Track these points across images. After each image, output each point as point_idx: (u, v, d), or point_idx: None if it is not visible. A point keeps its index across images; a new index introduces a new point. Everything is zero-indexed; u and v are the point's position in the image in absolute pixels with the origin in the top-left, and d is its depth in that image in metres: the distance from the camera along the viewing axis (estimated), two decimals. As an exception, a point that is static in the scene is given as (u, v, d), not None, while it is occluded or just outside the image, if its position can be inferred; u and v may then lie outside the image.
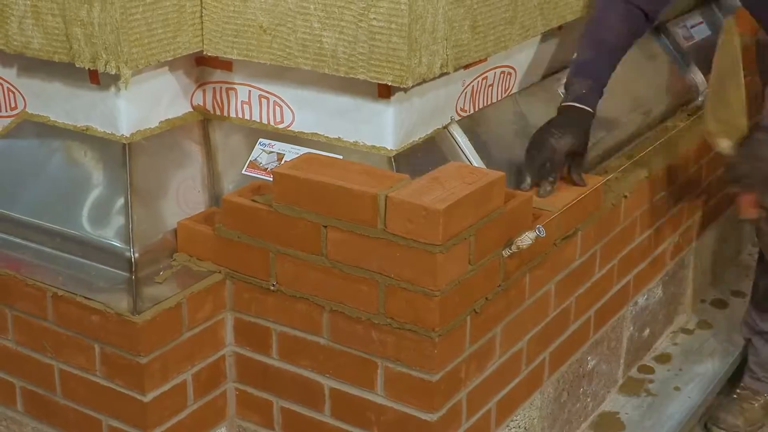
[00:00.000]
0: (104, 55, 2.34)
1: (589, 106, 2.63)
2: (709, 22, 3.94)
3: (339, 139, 2.53)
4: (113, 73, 2.35)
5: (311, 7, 2.36)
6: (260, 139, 2.60)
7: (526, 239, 2.26)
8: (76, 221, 2.45)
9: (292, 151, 2.55)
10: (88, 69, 2.42)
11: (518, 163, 2.72)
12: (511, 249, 2.28)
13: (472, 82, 2.70)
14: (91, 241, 2.42)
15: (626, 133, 3.19)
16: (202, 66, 2.64)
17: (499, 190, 2.24)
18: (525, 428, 2.63)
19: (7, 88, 2.66)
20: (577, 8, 2.95)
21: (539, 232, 2.29)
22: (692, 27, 3.82)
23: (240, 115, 2.64)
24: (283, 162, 2.52)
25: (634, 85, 3.38)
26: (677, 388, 3.20)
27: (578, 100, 2.63)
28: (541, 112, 2.96)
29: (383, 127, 2.47)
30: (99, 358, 2.30)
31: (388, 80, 2.33)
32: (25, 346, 2.42)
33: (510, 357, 2.45)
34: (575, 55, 2.73)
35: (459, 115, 2.69)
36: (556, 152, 2.55)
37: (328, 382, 2.34)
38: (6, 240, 2.52)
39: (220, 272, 2.38)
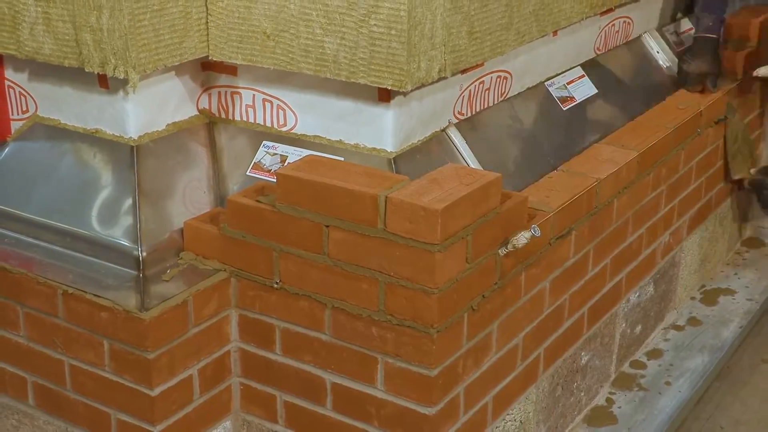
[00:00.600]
0: (113, 60, 2.38)
1: (715, 35, 3.40)
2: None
3: (340, 141, 2.57)
4: (122, 77, 2.39)
5: (313, 13, 2.40)
6: (264, 142, 2.64)
7: (522, 238, 2.30)
8: (85, 221, 2.49)
9: (294, 153, 2.58)
10: (98, 73, 2.46)
11: (513, 165, 2.75)
12: (507, 248, 2.32)
13: (469, 86, 2.73)
14: (100, 240, 2.46)
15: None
16: (207, 70, 2.67)
17: (495, 191, 2.27)
18: (520, 422, 2.67)
19: (19, 92, 2.69)
20: (571, 14, 2.99)
21: (534, 231, 2.33)
22: (682, 33, 3.86)
23: (244, 119, 2.68)
24: (286, 164, 2.56)
25: (626, 90, 3.42)
26: (668, 383, 3.23)
27: (707, 31, 3.40)
28: (535, 115, 3.00)
29: (383, 130, 2.50)
30: (108, 353, 2.34)
31: (387, 84, 2.37)
32: (36, 342, 2.46)
33: (506, 353, 2.49)
34: None
35: (456, 118, 2.72)
36: (688, 75, 3.42)
37: (329, 377, 2.37)
38: (18, 239, 2.56)
39: (225, 270, 2.42)
